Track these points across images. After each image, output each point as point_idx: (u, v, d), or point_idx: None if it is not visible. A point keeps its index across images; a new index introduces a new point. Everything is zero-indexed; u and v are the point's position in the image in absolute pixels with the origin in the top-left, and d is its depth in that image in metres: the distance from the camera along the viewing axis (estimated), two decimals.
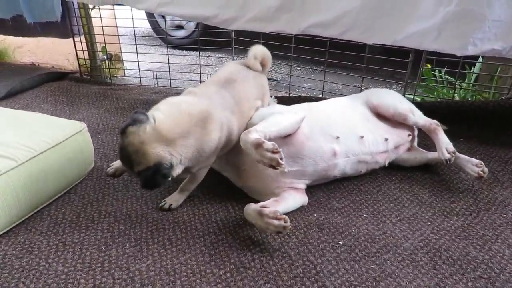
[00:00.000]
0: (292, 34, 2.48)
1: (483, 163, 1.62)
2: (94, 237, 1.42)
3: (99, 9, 2.89)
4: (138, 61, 2.99)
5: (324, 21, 2.21)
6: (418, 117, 1.80)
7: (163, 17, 4.27)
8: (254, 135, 1.36)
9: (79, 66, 3.14)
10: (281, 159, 1.28)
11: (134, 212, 1.55)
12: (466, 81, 2.34)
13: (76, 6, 2.93)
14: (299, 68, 3.65)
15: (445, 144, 1.65)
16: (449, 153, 1.61)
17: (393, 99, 1.85)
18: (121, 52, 3.27)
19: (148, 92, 2.92)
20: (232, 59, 3.04)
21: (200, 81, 2.95)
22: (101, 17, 2.89)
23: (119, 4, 2.74)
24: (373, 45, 2.22)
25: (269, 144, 1.30)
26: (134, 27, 2.90)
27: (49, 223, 1.49)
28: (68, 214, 1.54)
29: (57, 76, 3.12)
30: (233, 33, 2.91)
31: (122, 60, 3.37)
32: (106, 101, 2.70)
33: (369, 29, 2.09)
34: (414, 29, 1.94)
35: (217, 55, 3.98)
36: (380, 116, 1.81)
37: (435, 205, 1.58)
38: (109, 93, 2.82)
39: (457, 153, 1.65)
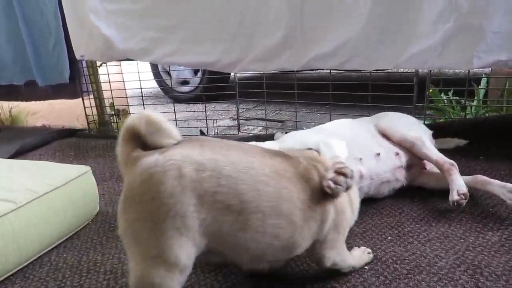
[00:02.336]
0: (294, 71, 2.52)
1: None
2: (95, 279, 1.30)
3: (106, 65, 2.99)
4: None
5: (324, 53, 2.23)
6: (429, 151, 1.63)
7: (169, 74, 4.46)
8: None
9: (88, 122, 3.18)
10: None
11: None
12: (475, 98, 2.29)
13: (84, 65, 3.04)
14: (304, 110, 3.66)
15: (457, 186, 1.47)
16: (459, 195, 1.43)
17: (403, 125, 1.76)
18: (128, 105, 3.33)
19: None
20: (237, 108, 3.05)
21: (207, 129, 2.93)
22: (108, 73, 2.98)
23: (127, 60, 2.85)
24: (376, 79, 2.20)
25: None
26: (140, 80, 2.98)
27: (48, 269, 1.39)
28: (70, 259, 1.44)
29: (66, 133, 3.15)
30: (237, 84, 2.96)
31: (130, 113, 3.41)
32: (113, 152, 2.64)
33: (369, 56, 2.10)
34: (416, 50, 1.94)
35: (222, 105, 4.04)
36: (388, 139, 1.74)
37: (465, 222, 1.44)
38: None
39: (488, 178, 1.51)
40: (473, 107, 2.27)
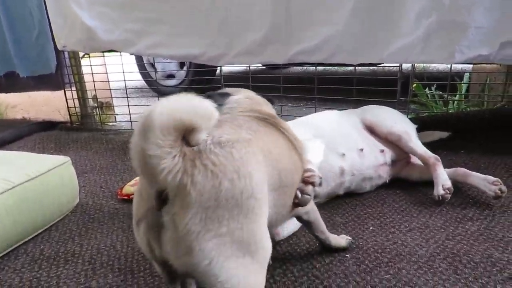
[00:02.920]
0: (279, 64, 2.51)
1: (500, 181, 1.45)
2: (73, 270, 1.27)
3: (89, 57, 2.93)
4: (128, 105, 2.97)
5: (310, 47, 2.23)
6: (415, 145, 1.65)
7: (154, 68, 4.40)
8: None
9: (70, 115, 3.12)
10: None
11: (120, 243, 1.42)
12: (458, 92, 2.32)
13: (67, 56, 2.97)
14: (290, 105, 3.65)
15: (442, 181, 1.49)
16: (444, 189, 1.46)
17: (389, 118, 1.76)
18: (111, 97, 3.27)
19: None
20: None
21: None
22: (91, 65, 2.92)
23: (111, 51, 2.80)
24: (361, 75, 2.22)
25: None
26: (123, 73, 2.93)
27: (24, 260, 1.35)
28: (47, 251, 1.40)
29: (47, 126, 3.08)
30: (222, 78, 2.94)
31: (113, 106, 3.36)
32: (96, 144, 2.64)
33: (354, 50, 2.10)
34: (399, 45, 1.95)
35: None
36: (374, 133, 1.75)
37: (445, 213, 1.45)
38: (99, 137, 2.77)
39: (469, 171, 1.54)
40: (455, 102, 2.30)
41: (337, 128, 1.68)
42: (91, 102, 3.18)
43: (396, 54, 1.98)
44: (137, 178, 1.86)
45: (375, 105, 1.91)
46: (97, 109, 3.22)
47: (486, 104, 2.15)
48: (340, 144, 1.59)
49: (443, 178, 1.50)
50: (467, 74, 2.33)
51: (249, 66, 2.89)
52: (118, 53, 2.85)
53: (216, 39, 2.47)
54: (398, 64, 2.28)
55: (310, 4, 2.12)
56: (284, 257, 1.24)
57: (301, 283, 1.11)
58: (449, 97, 2.23)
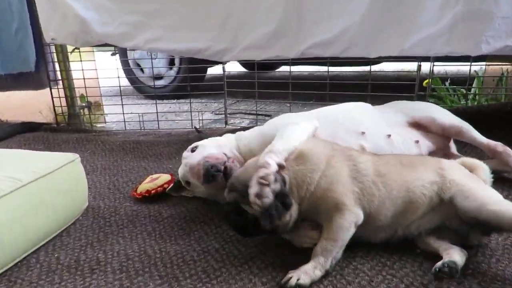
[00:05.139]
0: (289, 59, 2.42)
1: None
2: (104, 280, 1.09)
3: (79, 52, 2.71)
4: (122, 104, 2.77)
5: (324, 40, 2.14)
6: (478, 134, 1.59)
7: (141, 70, 4.19)
8: (266, 157, 1.10)
9: (55, 114, 2.86)
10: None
11: (150, 248, 1.25)
12: (475, 85, 2.32)
13: (53, 50, 2.73)
14: (300, 105, 3.55)
15: None
16: None
17: (443, 112, 1.69)
18: (101, 96, 3.04)
19: (135, 135, 2.67)
20: (225, 101, 2.90)
21: (191, 124, 2.73)
22: (81, 60, 2.70)
23: (105, 45, 2.60)
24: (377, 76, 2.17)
25: (261, 171, 1.04)
26: (117, 69, 2.74)
27: (39, 272, 1.15)
28: (64, 259, 1.21)
29: (30, 126, 2.81)
30: (225, 77, 2.82)
31: (103, 105, 3.13)
32: (90, 145, 2.42)
33: (372, 42, 2.03)
34: (422, 35, 1.90)
35: (200, 100, 3.85)
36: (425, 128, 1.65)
37: None
38: (92, 138, 2.54)
39: None
40: (471, 95, 2.29)
41: (360, 113, 1.61)
42: (78, 102, 2.95)
43: (418, 45, 1.93)
44: (153, 175, 1.71)
45: (413, 101, 1.84)
46: (86, 109, 2.98)
47: (504, 97, 2.15)
48: (359, 124, 1.51)
49: None
50: (483, 67, 2.34)
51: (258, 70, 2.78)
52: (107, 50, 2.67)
53: (222, 32, 2.34)
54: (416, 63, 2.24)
55: None
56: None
57: (377, 283, 1.00)
58: (466, 91, 2.22)
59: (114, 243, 1.29)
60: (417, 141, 1.60)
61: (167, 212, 1.49)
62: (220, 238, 1.27)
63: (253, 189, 1.01)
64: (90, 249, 1.26)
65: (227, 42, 2.36)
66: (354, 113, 1.60)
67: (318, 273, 1.01)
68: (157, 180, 1.65)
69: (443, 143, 1.65)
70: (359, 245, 1.13)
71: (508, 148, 1.50)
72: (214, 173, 1.30)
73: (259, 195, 1.01)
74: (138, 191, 1.62)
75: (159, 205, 1.55)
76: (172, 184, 1.61)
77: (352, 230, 1.05)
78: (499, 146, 1.52)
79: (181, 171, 1.47)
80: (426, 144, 1.62)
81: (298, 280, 0.98)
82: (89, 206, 1.56)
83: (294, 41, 2.22)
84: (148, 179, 1.68)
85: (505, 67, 2.23)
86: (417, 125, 1.62)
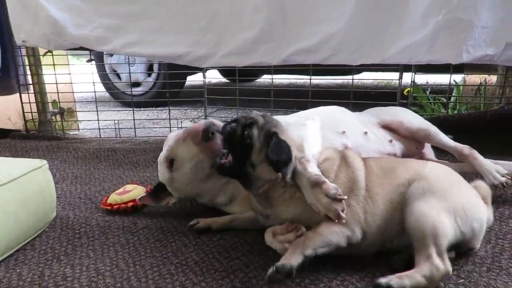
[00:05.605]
0: (271, 66, 2.38)
1: None
2: None
3: (52, 55, 2.59)
4: (97, 111, 2.66)
5: (308, 47, 2.11)
6: (445, 138, 1.60)
7: (119, 77, 4.07)
8: (313, 168, 1.06)
9: (25, 121, 2.72)
10: (343, 210, 0.98)
11: (123, 261, 1.15)
12: (454, 94, 2.35)
13: (24, 53, 2.60)
14: (281, 113, 3.52)
15: (492, 167, 1.42)
16: (502, 175, 1.39)
17: (412, 115, 1.71)
18: (75, 102, 2.91)
19: (110, 143, 2.55)
20: (205, 110, 2.84)
21: (170, 132, 2.65)
22: (54, 64, 2.58)
23: (80, 49, 2.49)
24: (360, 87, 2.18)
25: (331, 188, 1.00)
26: (92, 74, 2.63)
27: None
28: (27, 275, 1.10)
29: None
30: (205, 86, 2.76)
31: (76, 112, 2.99)
32: (61, 152, 2.29)
33: (356, 50, 2.02)
34: (405, 44, 1.90)
35: (179, 108, 3.76)
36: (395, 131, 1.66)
37: None
38: (64, 146, 2.41)
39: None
40: (451, 104, 2.32)
41: (339, 114, 1.63)
42: (50, 108, 2.81)
43: (400, 54, 1.93)
44: (127, 186, 1.60)
45: (386, 107, 1.84)
46: (58, 115, 2.84)
47: (482, 106, 2.18)
48: (339, 124, 1.52)
49: (490, 165, 1.44)
50: (463, 75, 2.37)
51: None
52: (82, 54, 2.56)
53: (203, 37, 2.29)
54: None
55: (308, 0, 2.03)
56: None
57: None
58: (446, 99, 2.24)
59: (83, 257, 1.19)
60: (390, 141, 1.60)
61: (143, 223, 1.39)
62: (199, 250, 1.18)
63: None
64: (57, 264, 1.15)
65: (209, 47, 2.30)
66: (334, 114, 1.60)
67: (298, 258, 0.94)
68: (129, 193, 1.52)
69: (415, 147, 1.66)
70: (347, 256, 1.07)
71: (474, 152, 1.51)
72: (214, 131, 1.26)
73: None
74: (109, 201, 1.52)
75: (134, 216, 1.45)
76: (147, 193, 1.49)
77: (342, 240, 1.00)
78: (465, 149, 1.52)
79: (165, 149, 1.37)
80: (399, 145, 1.62)
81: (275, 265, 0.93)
82: (57, 216, 1.45)
83: (277, 47, 2.18)
84: (121, 189, 1.57)
85: (483, 77, 2.27)
86: (388, 128, 1.64)
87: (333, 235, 0.99)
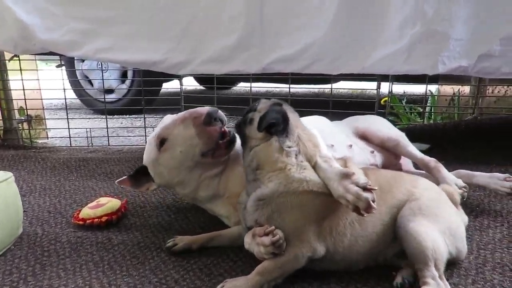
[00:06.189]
0: (249, 74, 2.35)
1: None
2: None
3: (19, 60, 2.46)
4: (67, 119, 2.54)
5: (287, 55, 2.10)
6: (414, 149, 1.62)
7: (91, 83, 3.94)
8: (337, 165, 1.05)
9: None
10: (373, 200, 0.96)
11: (97, 281, 1.08)
12: (429, 104, 2.41)
13: None
14: None
15: (453, 180, 1.44)
16: (460, 188, 1.40)
17: (384, 124, 1.73)
18: (43, 109, 2.78)
19: (81, 152, 2.44)
20: None
21: (145, 141, 2.57)
22: (21, 69, 2.45)
23: (49, 54, 2.37)
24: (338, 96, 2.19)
25: (361, 178, 0.99)
26: (62, 79, 2.51)
27: None
28: None
29: None
30: (182, 93, 2.70)
31: (45, 120, 2.85)
32: (28, 163, 2.16)
33: (335, 60, 2.03)
34: (382, 54, 1.92)
35: (155, 116, 3.67)
36: (368, 140, 1.68)
37: None
38: (31, 156, 2.28)
39: (472, 172, 1.53)
40: (426, 114, 2.37)
41: (326, 127, 1.61)
42: (17, 115, 2.66)
43: (378, 64, 1.95)
44: (100, 199, 1.52)
45: (362, 116, 1.85)
46: (25, 123, 2.70)
47: (456, 116, 2.24)
48: (327, 137, 1.46)
49: (451, 178, 1.45)
50: (437, 86, 2.43)
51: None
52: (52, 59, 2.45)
53: (179, 44, 2.22)
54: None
55: (287, 8, 2.01)
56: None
57: None
58: (421, 109, 2.28)
59: (53, 277, 1.10)
60: (372, 151, 1.61)
61: (118, 238, 1.32)
62: (179, 267, 1.13)
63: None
64: (23, 286, 1.07)
65: (186, 54, 2.24)
66: (323, 127, 1.56)
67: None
68: (103, 206, 1.44)
69: (394, 157, 1.68)
70: (333, 270, 1.05)
71: (440, 165, 1.52)
72: (217, 117, 1.26)
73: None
74: (80, 215, 1.43)
75: (108, 230, 1.38)
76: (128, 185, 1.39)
77: (302, 263, 0.99)
78: (432, 162, 1.54)
79: (159, 127, 1.32)
80: (379, 156, 1.63)
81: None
82: (24, 233, 1.35)
83: (256, 55, 2.15)
84: (94, 203, 1.48)
85: (456, 87, 2.33)
86: (363, 137, 1.65)
87: (292, 264, 0.99)
